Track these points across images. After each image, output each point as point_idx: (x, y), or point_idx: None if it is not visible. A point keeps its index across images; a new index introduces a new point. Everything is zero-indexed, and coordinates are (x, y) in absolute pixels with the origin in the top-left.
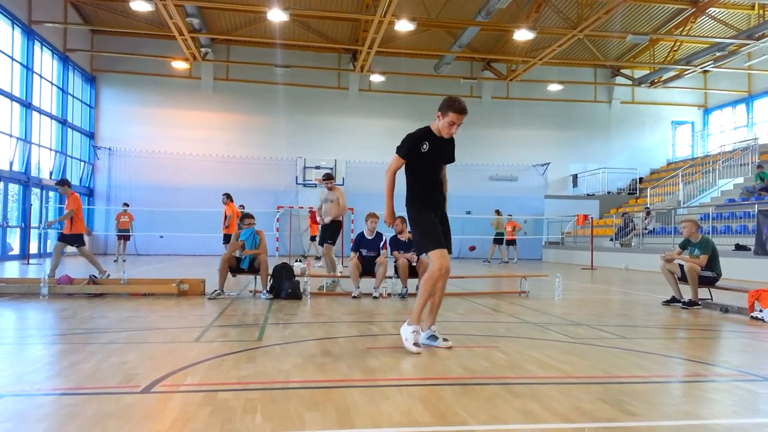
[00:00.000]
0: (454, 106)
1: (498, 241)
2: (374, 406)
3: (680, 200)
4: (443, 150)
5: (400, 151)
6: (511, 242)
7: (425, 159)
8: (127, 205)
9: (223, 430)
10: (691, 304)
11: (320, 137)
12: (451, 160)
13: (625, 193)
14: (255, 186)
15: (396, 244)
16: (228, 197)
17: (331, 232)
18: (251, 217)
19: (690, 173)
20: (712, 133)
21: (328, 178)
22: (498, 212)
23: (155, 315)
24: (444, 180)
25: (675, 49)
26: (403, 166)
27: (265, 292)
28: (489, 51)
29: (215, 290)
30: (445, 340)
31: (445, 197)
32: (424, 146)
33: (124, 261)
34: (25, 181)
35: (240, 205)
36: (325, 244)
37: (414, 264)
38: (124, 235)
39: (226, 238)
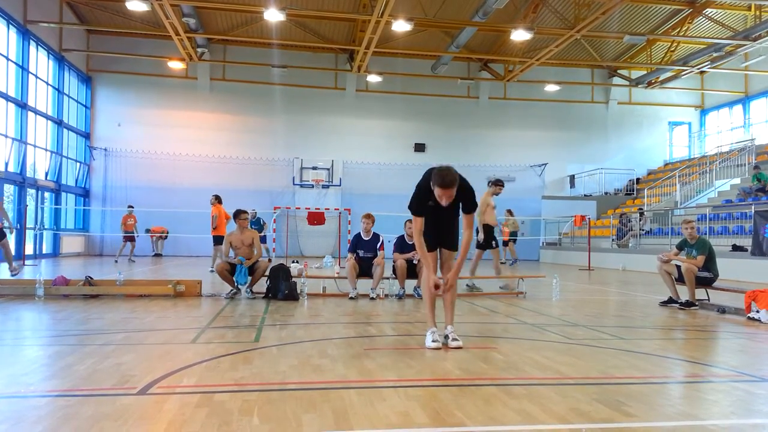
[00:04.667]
0: (436, 181)
1: (513, 241)
2: (371, 407)
3: (677, 201)
4: (451, 205)
5: (412, 208)
6: (506, 243)
7: (430, 211)
8: (132, 207)
9: None
10: (688, 304)
11: (317, 138)
12: (468, 208)
13: (622, 194)
14: (252, 187)
15: (402, 245)
16: (216, 198)
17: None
18: (245, 212)
19: (687, 174)
20: (709, 133)
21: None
22: (510, 212)
23: (152, 316)
24: (466, 232)
25: (672, 49)
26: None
27: (248, 290)
28: (486, 51)
29: (231, 290)
30: (454, 339)
31: (466, 241)
32: (431, 202)
33: (133, 261)
34: (21, 182)
35: (253, 210)
36: (491, 250)
37: (416, 263)
38: (130, 237)
39: (216, 240)
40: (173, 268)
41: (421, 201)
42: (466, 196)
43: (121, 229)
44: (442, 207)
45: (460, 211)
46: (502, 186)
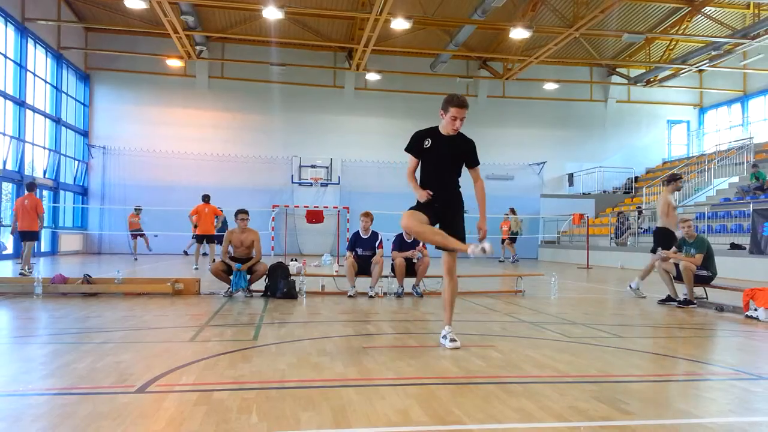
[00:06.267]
0: (453, 102)
1: (512, 239)
2: (370, 405)
3: (676, 199)
4: (451, 148)
5: (408, 148)
6: (503, 241)
7: (429, 156)
8: (141, 209)
9: (218, 430)
10: (687, 303)
11: (316, 136)
12: (472, 162)
13: (620, 193)
14: (250, 185)
15: (401, 244)
16: (202, 197)
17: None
18: (244, 212)
19: (685, 172)
20: (707, 132)
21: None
22: (513, 211)
23: (150, 314)
24: (476, 184)
25: (671, 48)
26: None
27: (245, 290)
28: (485, 49)
29: (228, 289)
30: (452, 340)
31: (482, 203)
32: (427, 142)
33: (135, 260)
34: (19, 180)
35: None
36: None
37: (414, 261)
38: (139, 234)
39: (198, 239)
40: (172, 267)
41: (416, 142)
42: (470, 148)
43: (128, 227)
44: (441, 153)
45: (467, 169)
46: (681, 178)
